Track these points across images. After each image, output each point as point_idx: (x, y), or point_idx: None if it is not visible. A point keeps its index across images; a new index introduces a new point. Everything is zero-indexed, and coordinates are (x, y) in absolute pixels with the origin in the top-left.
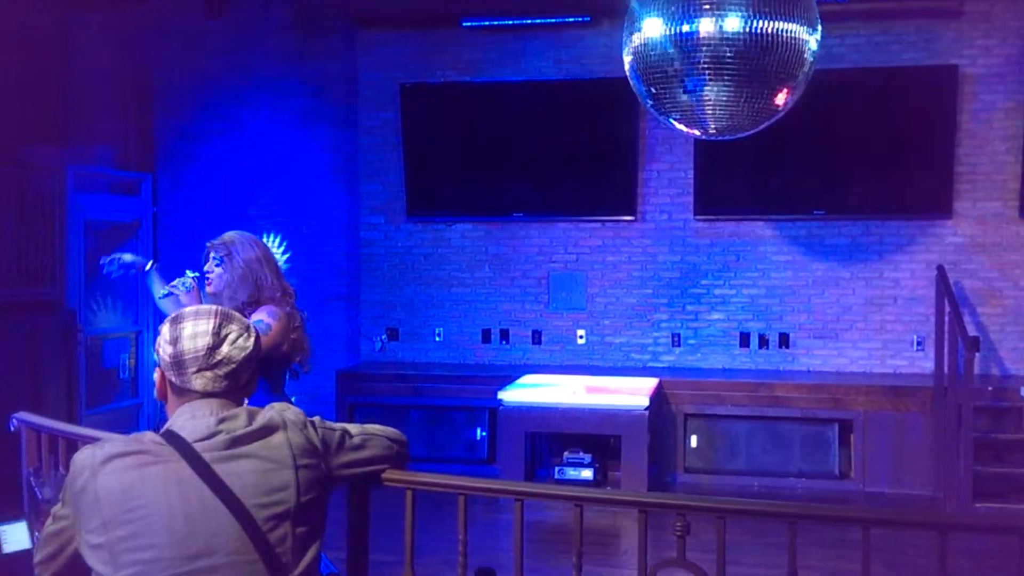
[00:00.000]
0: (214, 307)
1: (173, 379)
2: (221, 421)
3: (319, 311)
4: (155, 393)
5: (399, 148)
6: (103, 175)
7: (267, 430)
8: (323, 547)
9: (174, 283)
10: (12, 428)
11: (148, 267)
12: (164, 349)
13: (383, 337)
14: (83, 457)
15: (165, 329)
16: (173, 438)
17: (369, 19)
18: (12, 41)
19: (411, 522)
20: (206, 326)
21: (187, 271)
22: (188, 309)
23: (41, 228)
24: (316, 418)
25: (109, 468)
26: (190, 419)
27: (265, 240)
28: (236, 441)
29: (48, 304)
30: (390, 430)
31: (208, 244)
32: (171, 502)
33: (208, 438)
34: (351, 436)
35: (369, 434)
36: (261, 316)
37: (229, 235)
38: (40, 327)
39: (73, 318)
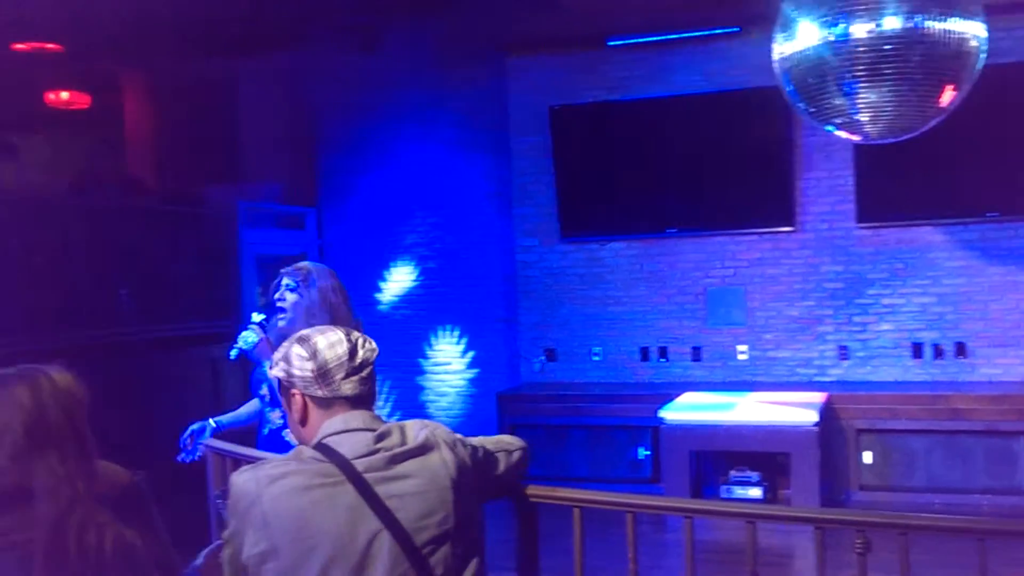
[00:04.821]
0: (324, 326)
1: (319, 392)
2: (379, 439)
3: (481, 334)
4: (294, 417)
5: (550, 170)
6: (271, 210)
7: (424, 448)
8: (488, 567)
9: (238, 342)
10: (199, 455)
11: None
12: (302, 367)
13: (542, 358)
14: (244, 480)
15: (293, 350)
16: (331, 453)
17: (516, 45)
18: (186, 90)
19: (580, 540)
20: (336, 336)
21: (253, 315)
22: (303, 331)
23: (217, 263)
24: (458, 435)
25: (275, 490)
26: (344, 430)
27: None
28: (395, 459)
29: (226, 336)
30: (513, 440)
31: (282, 271)
32: (340, 532)
33: (368, 455)
34: (488, 450)
35: (501, 447)
36: None
37: (305, 263)
38: (220, 358)
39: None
